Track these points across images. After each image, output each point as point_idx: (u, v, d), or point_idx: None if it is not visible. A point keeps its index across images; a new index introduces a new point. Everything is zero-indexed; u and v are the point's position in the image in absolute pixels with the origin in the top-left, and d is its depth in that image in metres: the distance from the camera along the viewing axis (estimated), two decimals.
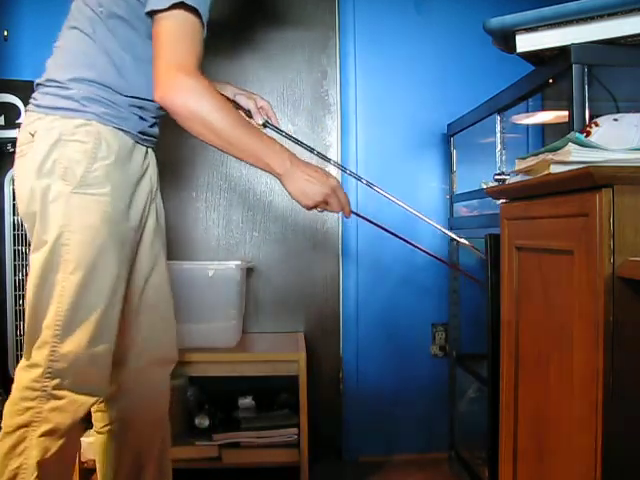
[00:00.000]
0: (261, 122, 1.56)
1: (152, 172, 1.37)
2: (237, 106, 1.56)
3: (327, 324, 2.22)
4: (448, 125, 2.09)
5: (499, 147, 1.69)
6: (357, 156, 2.21)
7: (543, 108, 1.86)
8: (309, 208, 1.30)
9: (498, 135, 1.69)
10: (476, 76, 2.14)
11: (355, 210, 1.40)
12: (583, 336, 0.90)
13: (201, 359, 1.87)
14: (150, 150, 1.37)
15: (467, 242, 1.57)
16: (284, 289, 2.22)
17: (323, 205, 1.30)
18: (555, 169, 0.97)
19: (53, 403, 1.16)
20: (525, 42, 1.28)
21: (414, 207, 2.18)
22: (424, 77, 2.21)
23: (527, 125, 2.11)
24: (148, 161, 1.35)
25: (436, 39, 2.21)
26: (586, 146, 0.93)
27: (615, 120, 1.06)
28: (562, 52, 1.23)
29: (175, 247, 2.20)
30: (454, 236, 1.62)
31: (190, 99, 1.12)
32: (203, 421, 1.92)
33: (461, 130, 1.99)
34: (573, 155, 0.93)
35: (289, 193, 1.27)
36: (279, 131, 1.57)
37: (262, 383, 2.05)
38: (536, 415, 1.09)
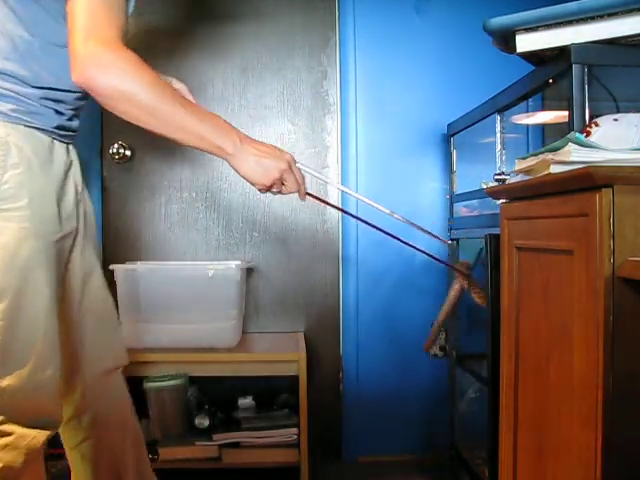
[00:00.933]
0: None
1: (75, 171, 1.22)
2: None
3: (327, 324, 2.22)
4: (448, 125, 2.09)
5: (499, 147, 1.69)
6: (357, 156, 2.21)
7: (543, 108, 1.85)
8: (265, 189, 1.18)
9: (498, 135, 1.69)
10: (476, 76, 2.14)
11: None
12: (583, 336, 0.90)
13: (201, 359, 1.87)
14: (71, 147, 1.23)
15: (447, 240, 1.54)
16: (284, 289, 2.22)
17: (279, 184, 1.19)
18: (555, 169, 0.97)
19: (1, 441, 1.04)
20: (525, 42, 1.27)
21: (414, 207, 2.20)
22: (424, 77, 2.20)
23: (527, 125, 2.11)
24: (70, 159, 1.21)
25: (436, 39, 2.21)
26: (586, 146, 0.93)
27: (615, 120, 1.06)
28: (562, 52, 1.23)
29: (175, 247, 2.20)
30: (440, 237, 1.57)
31: (113, 74, 0.98)
32: (203, 421, 1.91)
33: (461, 130, 1.98)
34: (573, 155, 0.93)
35: (241, 174, 1.15)
36: None
37: (262, 383, 2.06)
38: (536, 415, 1.09)
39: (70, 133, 1.21)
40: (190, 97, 1.45)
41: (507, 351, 1.21)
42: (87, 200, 1.29)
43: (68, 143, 1.21)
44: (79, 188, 1.24)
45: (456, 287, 1.59)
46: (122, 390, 1.37)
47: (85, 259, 1.25)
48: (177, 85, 1.45)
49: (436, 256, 1.55)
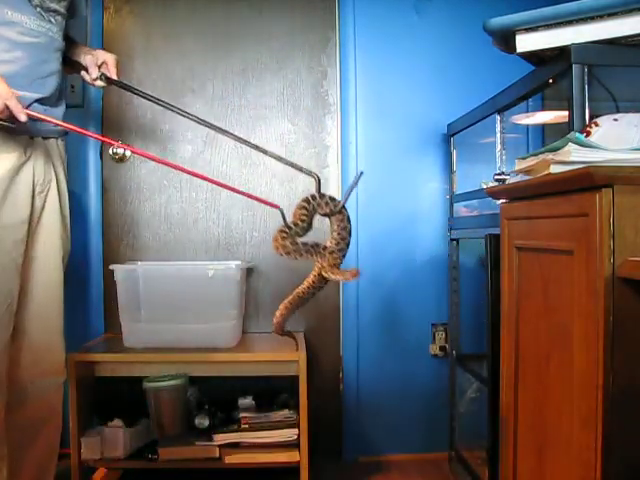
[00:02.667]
0: (94, 76, 1.44)
1: (36, 163, 1.23)
2: (75, 63, 1.45)
3: (327, 324, 2.22)
4: (448, 125, 2.09)
5: (499, 147, 1.69)
6: (357, 156, 2.21)
7: (543, 108, 1.86)
8: None
9: (498, 135, 1.69)
10: (476, 76, 2.14)
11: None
12: (583, 336, 0.90)
13: (201, 359, 1.87)
14: (39, 139, 1.23)
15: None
16: (284, 289, 2.19)
17: None
18: (555, 169, 0.97)
19: None
20: (525, 42, 1.28)
21: (414, 207, 2.20)
22: (424, 77, 2.21)
23: (527, 125, 2.11)
24: (30, 152, 1.22)
25: (436, 39, 2.21)
26: (586, 146, 0.93)
27: (615, 120, 1.06)
28: (562, 52, 1.23)
29: (175, 247, 2.20)
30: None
31: None
32: (203, 421, 1.91)
33: (461, 130, 1.99)
34: (573, 155, 0.93)
35: None
36: (120, 85, 1.46)
37: (262, 383, 2.05)
38: (536, 415, 1.09)
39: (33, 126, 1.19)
40: (113, 69, 1.44)
41: (507, 351, 1.21)
42: (54, 190, 1.29)
43: (34, 136, 1.21)
44: (39, 179, 1.24)
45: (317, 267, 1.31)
46: (56, 412, 1.36)
47: (34, 246, 1.27)
48: (104, 57, 1.44)
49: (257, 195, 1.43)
